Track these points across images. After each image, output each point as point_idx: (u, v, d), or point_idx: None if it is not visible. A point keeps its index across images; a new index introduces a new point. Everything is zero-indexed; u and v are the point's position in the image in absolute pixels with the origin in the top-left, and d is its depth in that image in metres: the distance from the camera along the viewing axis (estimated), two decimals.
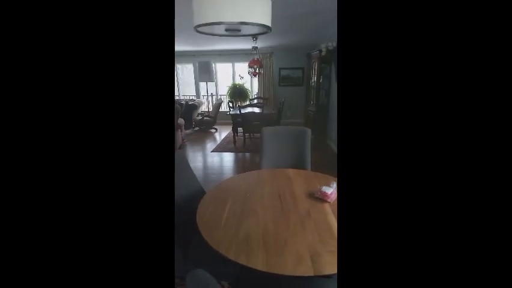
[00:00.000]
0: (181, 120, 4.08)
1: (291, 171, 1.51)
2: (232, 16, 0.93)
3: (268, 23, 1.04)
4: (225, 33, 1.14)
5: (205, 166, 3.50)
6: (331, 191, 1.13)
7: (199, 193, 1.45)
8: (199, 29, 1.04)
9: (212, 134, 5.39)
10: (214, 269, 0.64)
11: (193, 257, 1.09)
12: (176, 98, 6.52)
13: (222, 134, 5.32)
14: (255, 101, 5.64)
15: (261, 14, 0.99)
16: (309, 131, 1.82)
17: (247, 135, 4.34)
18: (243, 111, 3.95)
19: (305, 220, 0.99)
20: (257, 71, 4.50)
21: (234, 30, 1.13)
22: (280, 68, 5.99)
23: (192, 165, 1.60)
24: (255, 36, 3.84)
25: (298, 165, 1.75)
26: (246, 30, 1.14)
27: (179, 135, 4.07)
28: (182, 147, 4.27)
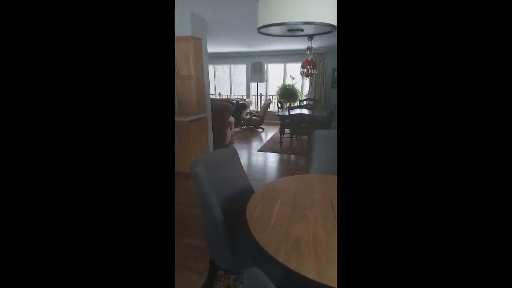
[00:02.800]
0: (231, 119, 4.26)
1: None
2: (298, 15, 0.92)
3: (334, 21, 0.99)
4: (287, 33, 1.14)
5: (250, 164, 3.58)
6: None
7: (248, 190, 1.48)
8: (262, 30, 1.05)
9: (259, 133, 5.48)
10: (259, 268, 0.64)
11: (238, 252, 1.12)
12: (228, 97, 6.85)
13: (268, 134, 5.36)
14: (305, 103, 5.52)
15: (328, 13, 0.95)
16: None
17: (294, 137, 4.27)
18: (291, 112, 3.91)
19: None
20: (310, 71, 4.38)
21: (296, 30, 1.12)
22: (334, 69, 5.73)
23: None
24: (310, 36, 3.74)
25: None
26: (309, 30, 1.11)
27: (229, 132, 4.25)
28: (230, 144, 4.46)
